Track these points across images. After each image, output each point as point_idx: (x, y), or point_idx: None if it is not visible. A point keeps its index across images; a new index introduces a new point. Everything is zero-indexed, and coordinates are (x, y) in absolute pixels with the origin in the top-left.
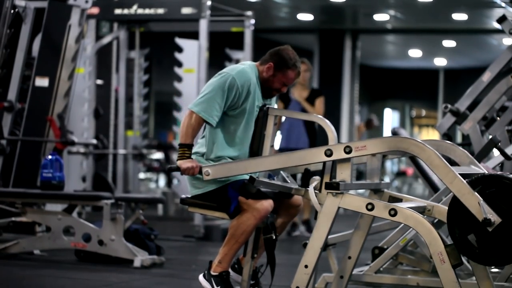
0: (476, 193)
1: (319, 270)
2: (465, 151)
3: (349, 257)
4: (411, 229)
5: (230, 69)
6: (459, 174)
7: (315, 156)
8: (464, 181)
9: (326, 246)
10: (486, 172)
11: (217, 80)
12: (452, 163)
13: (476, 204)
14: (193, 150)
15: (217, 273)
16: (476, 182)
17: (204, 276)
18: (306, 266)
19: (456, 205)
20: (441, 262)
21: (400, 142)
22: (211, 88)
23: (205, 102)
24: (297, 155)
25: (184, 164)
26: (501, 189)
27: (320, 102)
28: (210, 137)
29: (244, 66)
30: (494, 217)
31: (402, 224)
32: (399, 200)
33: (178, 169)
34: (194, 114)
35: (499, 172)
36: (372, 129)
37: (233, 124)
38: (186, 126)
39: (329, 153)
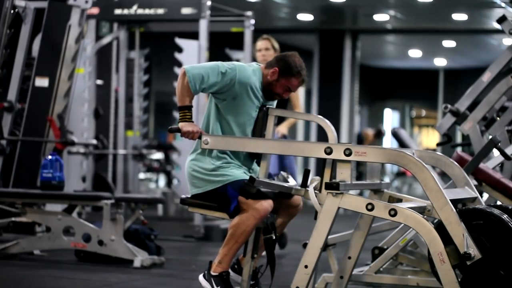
0: (462, 224)
1: (319, 270)
2: (463, 171)
3: (349, 257)
4: (411, 229)
5: (238, 63)
6: (451, 197)
7: (314, 151)
8: (454, 210)
9: (326, 246)
10: (478, 197)
11: (222, 63)
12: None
13: (461, 236)
14: (191, 158)
15: (217, 273)
16: (464, 213)
17: (204, 276)
18: (306, 266)
19: (440, 230)
20: (441, 263)
21: (400, 157)
22: (213, 64)
23: (199, 69)
24: (296, 146)
25: (185, 127)
26: (487, 224)
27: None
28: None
29: (249, 66)
30: (475, 252)
31: (402, 224)
32: (399, 200)
33: (178, 130)
34: (186, 76)
35: (488, 207)
36: (381, 138)
37: (232, 124)
38: (181, 89)
39: (328, 151)
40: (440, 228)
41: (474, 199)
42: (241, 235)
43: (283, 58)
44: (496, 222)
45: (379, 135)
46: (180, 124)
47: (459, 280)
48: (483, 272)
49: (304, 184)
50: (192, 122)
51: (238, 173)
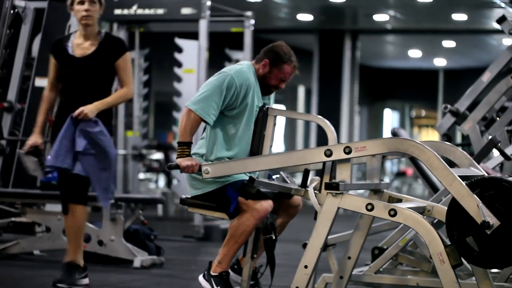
0: (475, 195)
1: (319, 270)
2: (465, 153)
3: (349, 257)
4: (411, 229)
5: (228, 68)
6: (458, 176)
7: (314, 156)
8: (463, 183)
9: (326, 246)
10: (486, 174)
11: (215, 79)
12: (452, 164)
13: (475, 207)
14: (193, 151)
15: (216, 274)
16: (475, 184)
17: (204, 276)
18: (306, 267)
19: (455, 207)
20: (441, 263)
21: (400, 143)
22: (209, 86)
23: (203, 100)
24: (296, 155)
25: (184, 162)
26: (500, 191)
27: (124, 61)
28: (209, 138)
29: (241, 66)
30: (493, 220)
31: (402, 224)
32: (399, 200)
33: (177, 167)
34: (192, 112)
35: (498, 175)
36: None
37: (233, 124)
38: (184, 125)
39: (328, 153)
40: (453, 204)
41: None
42: (241, 235)
43: (271, 48)
44: (509, 188)
45: None
46: (178, 160)
47: (476, 252)
48: (502, 239)
49: (304, 184)
50: (190, 157)
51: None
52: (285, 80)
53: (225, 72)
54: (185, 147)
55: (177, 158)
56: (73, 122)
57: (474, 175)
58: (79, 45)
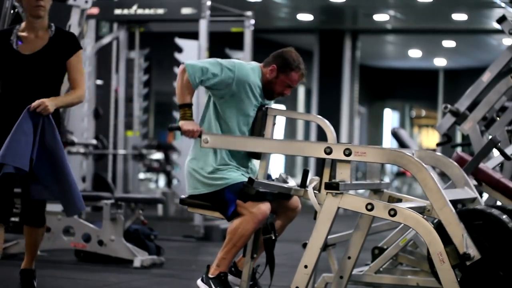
0: (462, 224)
1: (319, 270)
2: (462, 172)
3: (349, 257)
4: (411, 229)
5: (236, 61)
6: (451, 199)
7: (314, 151)
8: (453, 210)
9: (326, 246)
10: (478, 196)
11: (221, 59)
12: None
13: (460, 236)
14: (190, 157)
15: (215, 275)
16: (464, 214)
17: (202, 280)
18: (305, 266)
19: (440, 230)
20: (441, 263)
21: (400, 157)
22: (213, 59)
23: (198, 63)
24: (296, 145)
25: (186, 125)
26: (487, 224)
27: (77, 59)
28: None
29: (249, 64)
30: (474, 252)
31: (402, 224)
32: (399, 200)
33: (178, 128)
34: (185, 72)
35: (488, 207)
36: None
37: (230, 122)
38: (181, 86)
39: (328, 151)
40: (439, 228)
41: (473, 200)
42: (240, 239)
43: (280, 54)
44: (496, 223)
45: None
46: (181, 123)
47: (459, 280)
48: (482, 273)
49: (303, 184)
50: (193, 120)
51: (236, 175)
52: (291, 87)
53: (233, 61)
54: (186, 108)
55: (179, 120)
56: (31, 115)
57: (467, 198)
58: (26, 39)
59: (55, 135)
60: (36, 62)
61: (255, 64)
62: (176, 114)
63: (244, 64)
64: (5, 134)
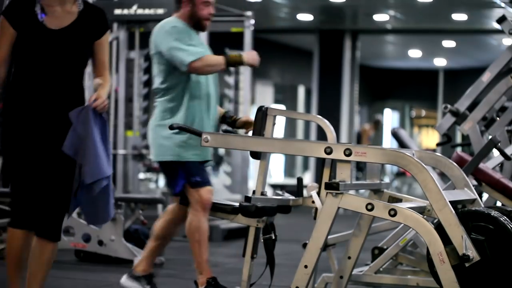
0: (461, 225)
1: (319, 270)
2: (462, 172)
3: (349, 257)
4: (411, 229)
5: (163, 22)
6: (451, 200)
7: (314, 150)
8: (453, 212)
9: (326, 246)
10: (478, 197)
11: (167, 32)
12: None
13: (459, 237)
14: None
15: (205, 285)
16: (464, 215)
17: None
18: (306, 266)
19: (439, 231)
20: (441, 263)
21: (401, 158)
22: (176, 38)
23: (185, 50)
24: (297, 145)
25: (247, 56)
26: (487, 226)
27: (107, 40)
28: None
29: (169, 22)
30: (473, 254)
31: (402, 224)
32: (399, 200)
33: (241, 63)
34: (196, 61)
35: (488, 208)
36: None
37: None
38: (212, 65)
39: (328, 151)
40: (439, 229)
41: (473, 201)
42: (197, 233)
43: None
44: (496, 224)
45: (377, 125)
46: (244, 58)
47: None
48: (481, 274)
49: (300, 193)
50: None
51: (196, 157)
52: (209, 2)
53: (169, 29)
54: (229, 56)
55: (236, 64)
56: (94, 114)
57: (466, 199)
58: (52, 11)
59: (107, 137)
60: (65, 40)
61: (171, 19)
62: None
63: (169, 21)
64: (26, 126)
